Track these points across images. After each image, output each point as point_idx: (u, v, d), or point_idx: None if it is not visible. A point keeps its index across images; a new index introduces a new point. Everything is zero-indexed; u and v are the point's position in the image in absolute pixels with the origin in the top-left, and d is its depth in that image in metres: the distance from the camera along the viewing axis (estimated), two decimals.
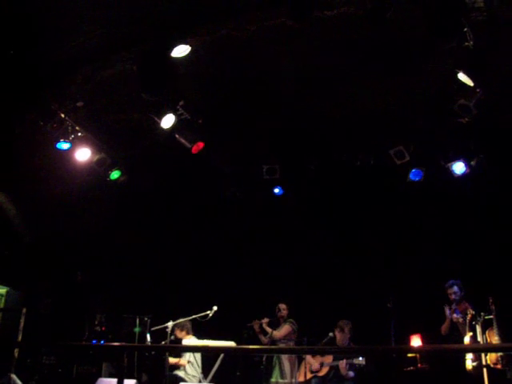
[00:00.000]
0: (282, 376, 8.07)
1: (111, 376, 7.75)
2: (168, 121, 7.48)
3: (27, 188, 9.19)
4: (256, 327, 8.36)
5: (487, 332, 6.67)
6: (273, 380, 8.10)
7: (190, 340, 8.12)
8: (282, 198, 9.82)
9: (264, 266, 10.02)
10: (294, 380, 7.98)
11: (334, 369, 7.64)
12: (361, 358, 7.31)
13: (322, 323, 8.28)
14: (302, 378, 7.78)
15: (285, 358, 8.07)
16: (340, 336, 7.80)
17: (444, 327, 7.40)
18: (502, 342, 6.45)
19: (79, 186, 9.10)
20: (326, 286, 9.38)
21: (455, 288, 7.42)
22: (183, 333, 8.17)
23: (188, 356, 8.05)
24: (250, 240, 10.08)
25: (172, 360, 7.97)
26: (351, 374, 7.47)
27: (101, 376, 7.76)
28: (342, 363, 7.45)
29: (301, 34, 6.64)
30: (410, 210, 9.15)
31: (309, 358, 7.85)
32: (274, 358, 8.14)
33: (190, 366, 8.01)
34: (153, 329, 7.85)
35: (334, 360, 7.64)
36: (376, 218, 9.42)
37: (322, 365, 7.79)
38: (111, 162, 8.46)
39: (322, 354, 7.68)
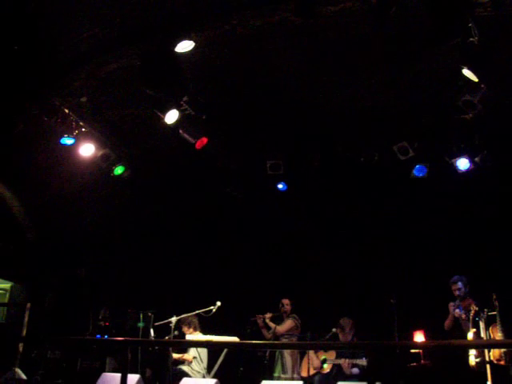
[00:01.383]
0: (284, 371, 8.09)
1: (115, 371, 7.75)
2: (172, 116, 7.46)
3: (31, 183, 9.22)
4: (259, 322, 8.37)
5: (490, 328, 6.67)
6: (275, 375, 8.11)
7: (195, 336, 8.14)
8: (285, 194, 9.82)
9: (267, 261, 10.03)
10: (295, 375, 7.98)
11: (336, 366, 7.59)
12: (363, 359, 7.29)
13: (325, 319, 8.28)
14: (305, 374, 7.75)
15: (287, 352, 8.08)
16: (342, 336, 7.72)
17: (447, 323, 7.39)
18: (506, 338, 6.45)
19: (83, 182, 9.13)
20: (329, 281, 9.37)
21: (459, 284, 7.40)
22: (191, 329, 8.20)
23: (193, 352, 8.07)
24: (254, 235, 10.08)
25: (176, 355, 8.01)
26: (356, 370, 7.42)
27: (104, 371, 7.78)
28: (345, 363, 7.41)
29: (305, 29, 6.63)
30: (413, 205, 9.14)
31: (311, 354, 7.82)
32: (276, 353, 8.15)
33: (194, 362, 8.04)
34: (156, 324, 7.88)
35: (336, 358, 7.59)
36: (380, 213, 9.42)
37: (323, 362, 7.74)
38: (115, 157, 8.48)
39: (325, 349, 7.62)
